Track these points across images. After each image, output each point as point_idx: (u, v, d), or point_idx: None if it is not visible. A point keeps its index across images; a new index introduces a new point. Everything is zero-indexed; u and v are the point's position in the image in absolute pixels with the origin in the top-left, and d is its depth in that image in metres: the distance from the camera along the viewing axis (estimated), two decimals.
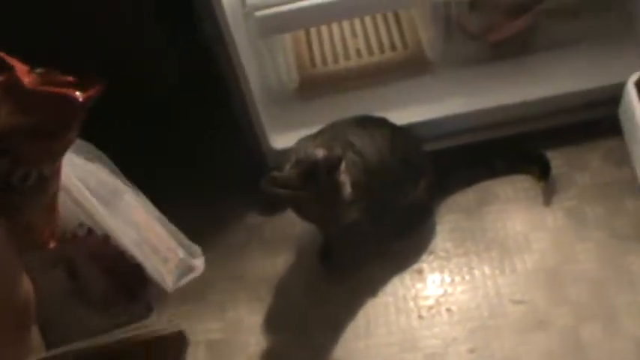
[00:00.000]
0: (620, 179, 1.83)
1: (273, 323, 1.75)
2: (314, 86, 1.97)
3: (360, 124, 1.72)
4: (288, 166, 1.56)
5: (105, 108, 1.62)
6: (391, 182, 1.70)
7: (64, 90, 1.12)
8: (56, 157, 1.19)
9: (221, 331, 1.75)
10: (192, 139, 2.07)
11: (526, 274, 1.72)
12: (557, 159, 1.86)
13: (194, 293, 1.80)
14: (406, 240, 1.81)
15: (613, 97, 1.79)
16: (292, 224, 1.88)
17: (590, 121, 1.86)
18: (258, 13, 1.68)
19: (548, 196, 1.83)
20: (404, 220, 1.78)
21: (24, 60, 1.14)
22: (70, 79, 1.14)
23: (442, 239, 1.81)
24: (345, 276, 1.78)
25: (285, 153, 1.80)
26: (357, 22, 2.03)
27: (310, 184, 1.53)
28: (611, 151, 1.87)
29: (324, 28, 2.03)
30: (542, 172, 1.85)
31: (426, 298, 1.73)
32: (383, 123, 1.75)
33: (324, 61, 2.01)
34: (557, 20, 1.95)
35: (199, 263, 1.66)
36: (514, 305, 1.68)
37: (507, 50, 1.94)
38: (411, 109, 1.85)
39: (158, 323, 1.61)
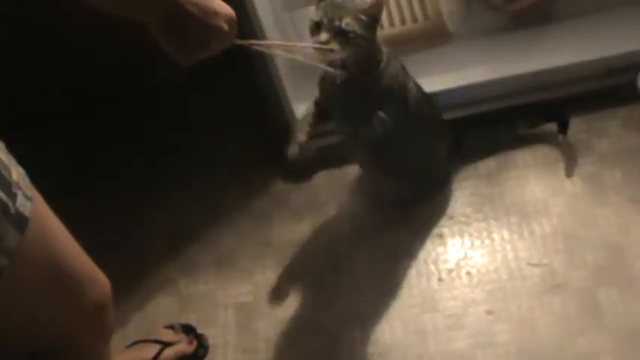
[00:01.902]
0: (639, 145, 1.85)
1: (299, 286, 1.81)
2: None
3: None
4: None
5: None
6: (421, 131, 1.74)
7: None
8: None
9: (250, 294, 1.82)
10: (219, 110, 2.13)
11: (544, 238, 1.76)
12: (576, 125, 1.89)
13: (225, 259, 1.88)
14: (426, 205, 1.86)
15: (633, 64, 1.81)
16: (316, 193, 1.95)
17: (610, 88, 1.88)
18: None
19: (568, 161, 1.86)
20: (423, 183, 1.83)
21: None
22: None
23: (462, 204, 1.85)
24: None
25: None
26: None
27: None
28: (630, 118, 1.89)
29: None
30: (561, 126, 1.87)
31: (446, 261, 1.78)
32: None
33: None
34: None
35: None
36: (532, 268, 1.72)
37: (528, 20, 1.96)
38: (432, 79, 1.88)
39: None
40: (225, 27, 1.16)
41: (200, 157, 2.08)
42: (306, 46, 1.51)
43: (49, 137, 2.14)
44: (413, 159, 1.77)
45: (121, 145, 2.17)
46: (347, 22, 1.48)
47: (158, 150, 2.12)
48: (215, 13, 1.13)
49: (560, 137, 1.87)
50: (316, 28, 1.51)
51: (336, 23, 1.49)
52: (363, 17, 1.50)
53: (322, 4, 1.52)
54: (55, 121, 2.13)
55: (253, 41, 1.35)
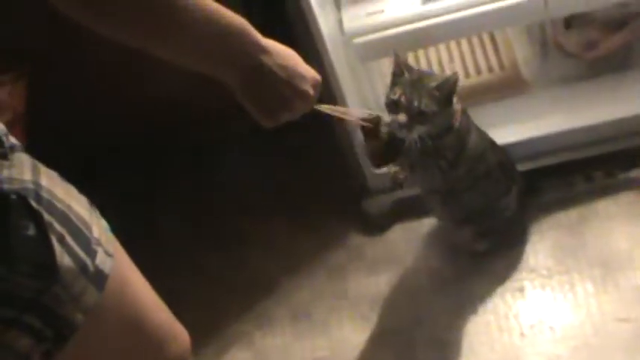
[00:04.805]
0: None
1: (377, 341, 1.78)
2: None
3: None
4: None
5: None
6: (487, 176, 1.72)
7: None
8: None
9: (327, 349, 1.80)
10: (294, 163, 2.14)
11: (631, 291, 1.70)
12: None
13: (301, 313, 1.87)
14: (505, 257, 1.82)
15: None
16: (393, 244, 1.93)
17: None
18: (357, 40, 1.73)
19: None
20: (497, 233, 1.80)
21: None
22: None
23: (543, 256, 1.81)
24: None
25: (383, 176, 1.85)
26: (453, 45, 2.06)
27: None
28: None
29: (421, 53, 2.06)
30: None
31: (528, 316, 1.73)
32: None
33: None
34: None
35: None
36: (619, 323, 1.66)
37: (605, 67, 1.93)
38: (508, 129, 1.86)
39: None
40: (311, 91, 1.16)
41: (274, 209, 2.08)
42: (384, 124, 1.52)
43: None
44: (482, 208, 1.75)
45: (201, 192, 2.19)
46: (425, 103, 1.50)
47: (231, 204, 2.13)
48: (302, 77, 1.14)
49: None
50: (394, 106, 1.53)
51: (415, 104, 1.50)
52: (437, 94, 1.51)
53: (400, 80, 1.54)
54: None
55: (331, 107, 1.37)
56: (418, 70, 1.58)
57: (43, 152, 1.02)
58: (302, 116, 1.22)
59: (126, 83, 2.05)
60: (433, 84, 1.52)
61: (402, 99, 1.51)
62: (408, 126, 1.52)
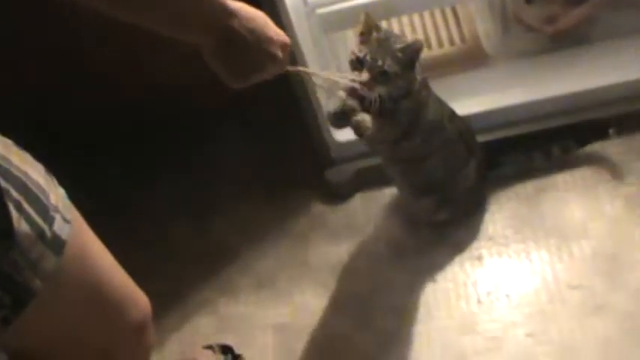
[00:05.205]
0: None
1: (336, 308, 1.81)
2: None
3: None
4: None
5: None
6: (445, 147, 1.74)
7: None
8: None
9: (289, 315, 1.83)
10: (258, 134, 2.15)
11: (584, 260, 1.75)
12: (616, 147, 1.89)
13: (264, 280, 1.89)
14: (464, 227, 1.85)
15: None
16: (355, 213, 1.96)
17: None
18: (320, 11, 1.74)
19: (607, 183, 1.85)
20: (456, 203, 1.83)
21: None
22: None
23: (501, 226, 1.85)
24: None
25: (346, 146, 1.87)
26: (416, 17, 2.08)
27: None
28: None
29: (383, 24, 2.06)
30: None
31: (486, 283, 1.77)
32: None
33: None
34: (615, 10, 1.95)
35: None
36: (572, 290, 1.71)
37: (566, 41, 1.96)
38: (469, 101, 1.89)
39: None
40: (280, 54, 1.18)
41: (237, 179, 2.10)
42: (347, 82, 1.53)
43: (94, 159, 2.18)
44: (441, 178, 1.77)
45: (158, 167, 2.19)
46: (389, 64, 1.51)
47: (194, 172, 2.15)
48: (270, 40, 1.16)
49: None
50: (358, 63, 1.53)
51: (379, 63, 1.51)
52: (401, 55, 1.52)
53: (368, 39, 1.54)
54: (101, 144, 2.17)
55: (301, 68, 1.38)
56: (386, 30, 1.57)
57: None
58: (269, 88, 1.23)
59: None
60: (398, 46, 1.53)
61: (367, 57, 1.52)
62: (370, 84, 1.53)
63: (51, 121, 2.09)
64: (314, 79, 1.57)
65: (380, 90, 1.53)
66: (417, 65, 1.57)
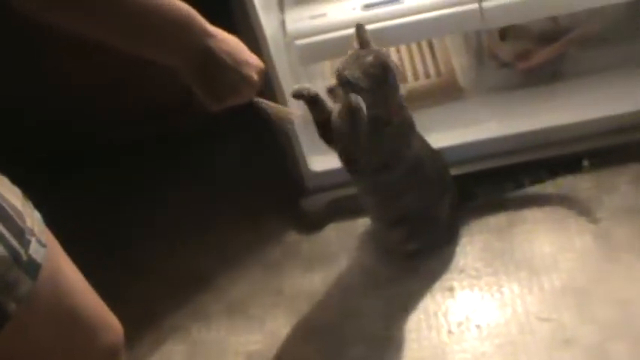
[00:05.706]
0: None
1: (307, 337, 1.82)
2: None
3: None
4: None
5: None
6: (424, 184, 1.77)
7: None
8: None
9: (260, 343, 1.83)
10: (232, 161, 2.17)
11: (554, 293, 1.77)
12: (586, 181, 1.92)
13: (236, 307, 1.89)
14: (436, 258, 1.87)
15: None
16: (328, 242, 1.98)
17: (619, 145, 1.91)
18: (299, 42, 1.77)
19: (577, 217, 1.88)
20: (429, 235, 1.85)
21: None
22: None
23: (473, 258, 1.87)
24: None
25: (321, 175, 1.89)
26: (392, 51, 2.11)
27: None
28: None
29: None
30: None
31: (456, 314, 1.79)
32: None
33: None
34: (587, 48, 2.00)
35: None
36: (541, 323, 1.73)
37: (538, 77, 2.00)
38: (443, 134, 1.91)
39: None
40: (255, 77, 1.21)
41: (212, 206, 2.10)
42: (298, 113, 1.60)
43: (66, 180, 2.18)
44: (415, 211, 1.79)
45: (131, 192, 2.20)
46: (353, 74, 1.54)
47: (169, 198, 2.15)
48: (246, 63, 1.19)
49: None
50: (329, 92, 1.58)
51: (345, 72, 1.54)
52: (372, 70, 1.54)
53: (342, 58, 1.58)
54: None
55: (265, 101, 1.41)
56: (372, 49, 1.58)
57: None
58: (245, 114, 1.25)
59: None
60: (369, 60, 1.55)
61: (340, 67, 1.56)
62: (332, 91, 1.57)
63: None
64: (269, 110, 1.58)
65: (353, 98, 1.54)
66: (401, 93, 1.61)
